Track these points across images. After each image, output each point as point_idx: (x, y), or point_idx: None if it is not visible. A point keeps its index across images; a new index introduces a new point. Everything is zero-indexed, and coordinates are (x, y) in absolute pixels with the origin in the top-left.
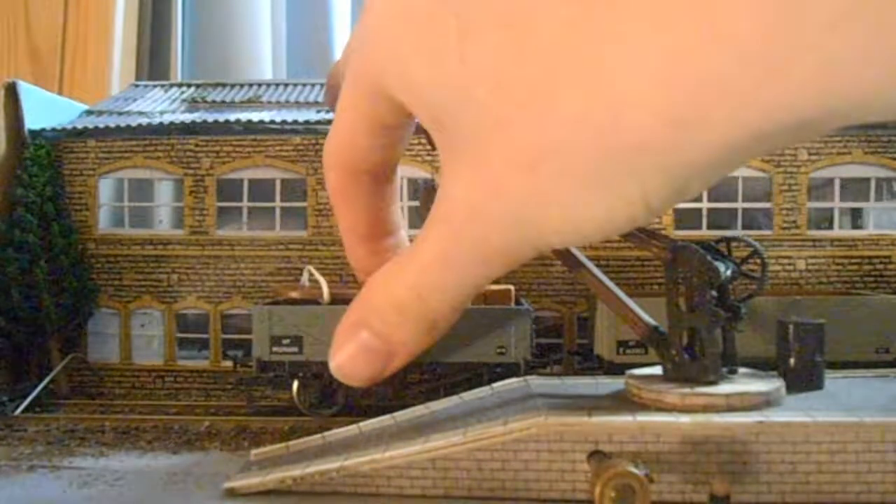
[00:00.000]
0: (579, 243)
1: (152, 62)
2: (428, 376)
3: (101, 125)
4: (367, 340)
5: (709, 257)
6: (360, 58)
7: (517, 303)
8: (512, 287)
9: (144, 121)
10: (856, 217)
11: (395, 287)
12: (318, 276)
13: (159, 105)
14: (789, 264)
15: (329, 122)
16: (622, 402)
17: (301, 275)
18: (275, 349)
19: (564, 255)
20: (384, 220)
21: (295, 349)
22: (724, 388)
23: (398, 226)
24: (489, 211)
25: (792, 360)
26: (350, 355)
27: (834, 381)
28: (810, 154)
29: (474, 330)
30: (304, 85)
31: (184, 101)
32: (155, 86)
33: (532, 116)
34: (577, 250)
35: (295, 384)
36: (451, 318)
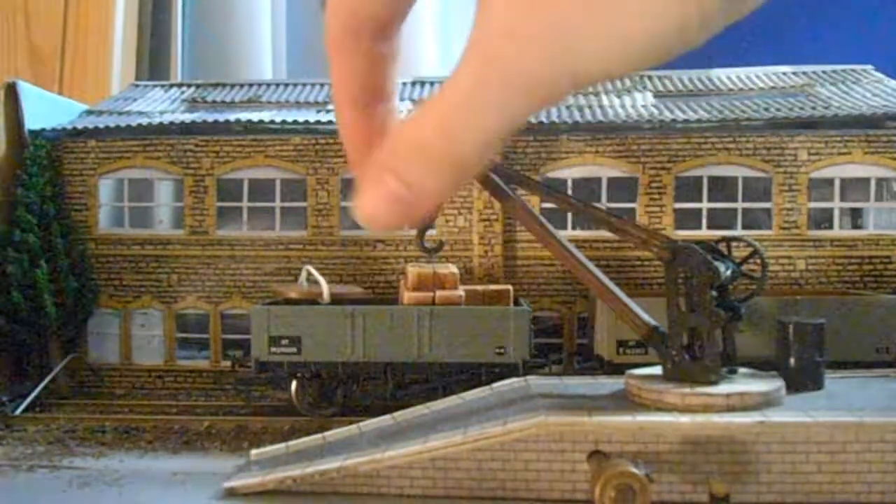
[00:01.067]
0: (622, 70)
1: (152, 62)
2: (426, 376)
3: (101, 125)
4: (392, 187)
5: (709, 257)
6: None
7: (516, 303)
8: (511, 287)
9: (144, 121)
10: (856, 217)
11: (421, 130)
12: (317, 275)
13: (159, 105)
14: (789, 264)
15: (329, 122)
16: (622, 402)
17: (300, 275)
18: (273, 349)
19: (492, 186)
20: (379, 82)
21: (293, 349)
22: (724, 388)
23: (393, 92)
24: (527, 31)
25: (792, 360)
26: (374, 203)
27: (834, 381)
28: (810, 154)
29: (473, 330)
30: (304, 85)
31: (184, 101)
32: (155, 86)
33: None
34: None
35: (293, 384)
36: (479, 161)
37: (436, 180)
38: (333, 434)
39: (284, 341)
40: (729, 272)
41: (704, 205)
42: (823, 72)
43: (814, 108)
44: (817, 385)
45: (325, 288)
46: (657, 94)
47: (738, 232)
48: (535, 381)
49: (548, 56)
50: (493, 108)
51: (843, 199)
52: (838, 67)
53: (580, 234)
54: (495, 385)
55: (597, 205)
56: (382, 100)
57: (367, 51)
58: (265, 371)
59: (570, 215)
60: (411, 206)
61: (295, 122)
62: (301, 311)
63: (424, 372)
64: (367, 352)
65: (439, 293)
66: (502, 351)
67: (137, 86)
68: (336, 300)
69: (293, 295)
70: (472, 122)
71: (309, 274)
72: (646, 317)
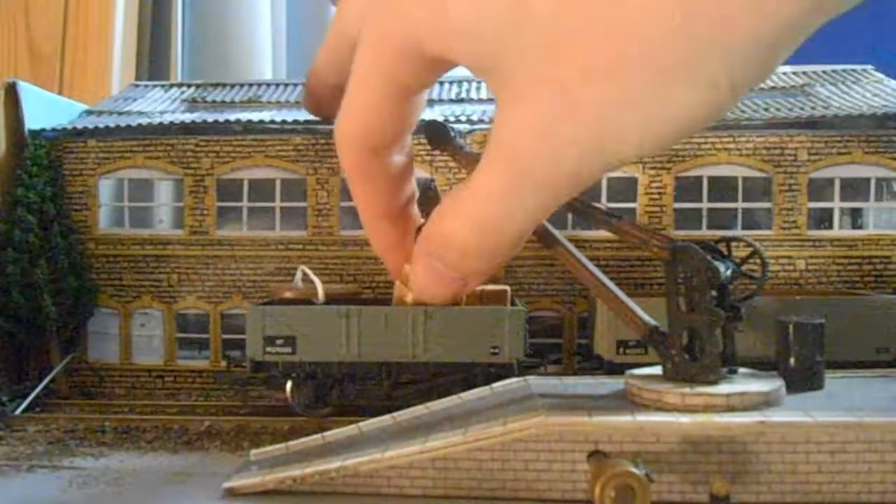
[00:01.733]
0: (656, 150)
1: (152, 62)
2: (422, 376)
3: (101, 125)
4: (440, 270)
5: (709, 257)
6: (382, 20)
7: (512, 303)
8: (508, 287)
9: (144, 121)
10: (856, 217)
11: (456, 225)
12: (312, 275)
13: (159, 105)
14: (789, 264)
15: (329, 122)
16: (622, 402)
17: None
18: (268, 349)
19: (541, 233)
20: (403, 190)
21: (288, 349)
22: (724, 388)
23: (415, 192)
24: (561, 131)
25: (792, 360)
26: (425, 283)
27: (834, 381)
28: (810, 154)
29: (468, 330)
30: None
31: (184, 101)
32: (155, 86)
33: (606, 18)
34: (555, 229)
35: (289, 384)
36: (517, 245)
37: (476, 265)
38: (333, 434)
39: (279, 341)
40: (729, 272)
41: (704, 205)
42: (823, 72)
43: (814, 108)
44: (817, 385)
45: (320, 288)
46: None
47: (738, 232)
48: (535, 381)
49: (584, 152)
50: (527, 205)
51: (843, 199)
52: (838, 67)
53: (580, 234)
54: (495, 385)
55: (597, 205)
56: (408, 203)
57: (387, 168)
58: (261, 371)
59: (570, 215)
60: (460, 283)
61: (295, 122)
62: (296, 311)
63: (419, 372)
64: (363, 351)
65: None
66: (497, 351)
67: (137, 86)
68: (331, 300)
69: (288, 295)
70: (505, 221)
71: (304, 274)
72: (646, 317)
